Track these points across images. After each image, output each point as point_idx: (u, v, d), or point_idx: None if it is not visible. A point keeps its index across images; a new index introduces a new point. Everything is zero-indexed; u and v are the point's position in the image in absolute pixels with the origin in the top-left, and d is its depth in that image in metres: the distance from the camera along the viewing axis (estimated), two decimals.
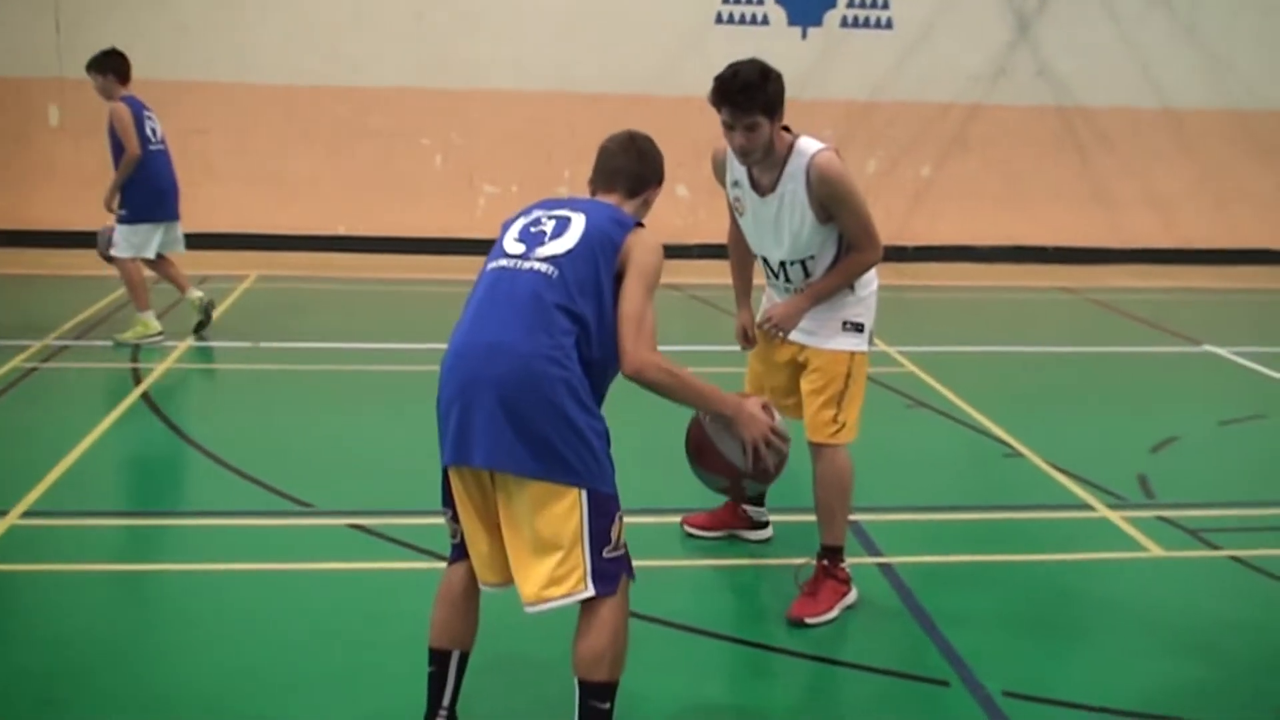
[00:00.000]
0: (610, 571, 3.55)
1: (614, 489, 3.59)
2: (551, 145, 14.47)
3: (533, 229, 3.72)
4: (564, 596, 3.52)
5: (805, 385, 5.03)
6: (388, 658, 4.52)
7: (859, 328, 4.99)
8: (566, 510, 3.48)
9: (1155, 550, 5.76)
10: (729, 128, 4.64)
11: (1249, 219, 15.64)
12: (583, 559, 3.50)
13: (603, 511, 3.53)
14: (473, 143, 14.53)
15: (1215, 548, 5.81)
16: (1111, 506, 6.32)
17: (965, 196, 15.21)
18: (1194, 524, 6.07)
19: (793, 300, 4.97)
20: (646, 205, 4.00)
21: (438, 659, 3.80)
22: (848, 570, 5.09)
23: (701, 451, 4.19)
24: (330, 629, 4.76)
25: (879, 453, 6.87)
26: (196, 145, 14.04)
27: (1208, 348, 10.33)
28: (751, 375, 5.40)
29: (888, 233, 16.58)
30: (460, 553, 3.77)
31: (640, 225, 3.77)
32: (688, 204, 14.29)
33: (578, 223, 3.67)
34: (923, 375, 8.92)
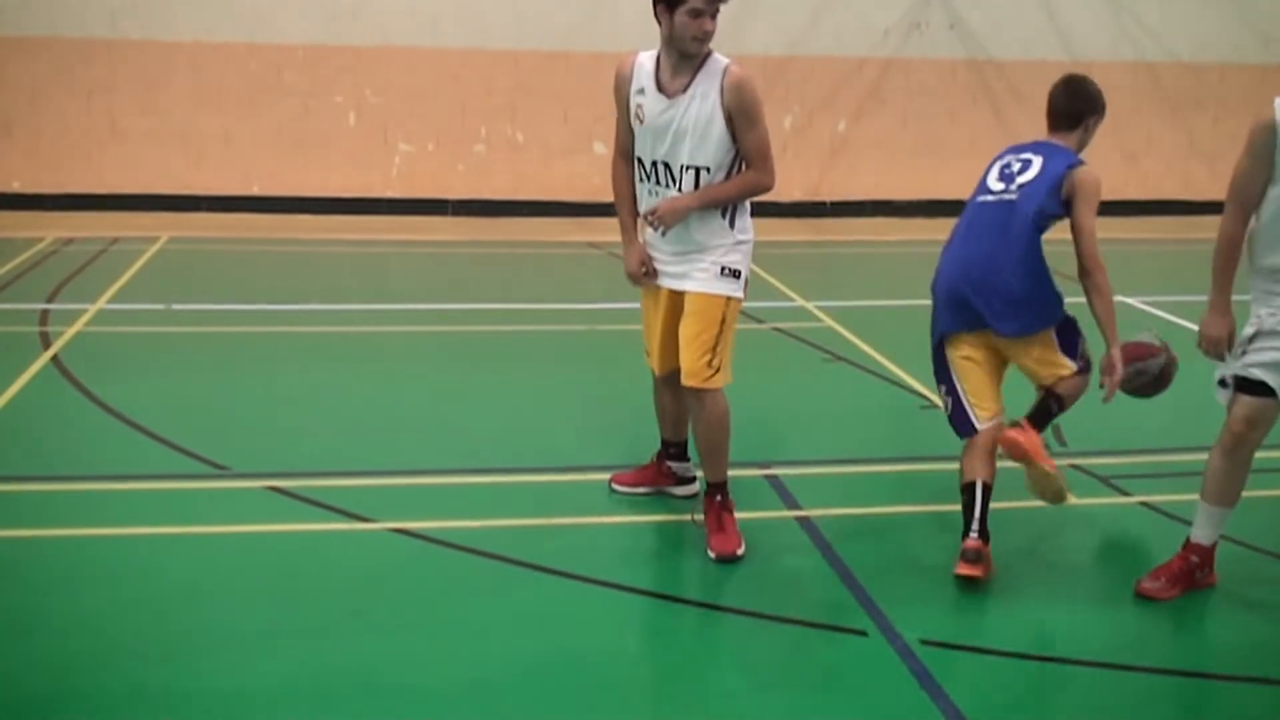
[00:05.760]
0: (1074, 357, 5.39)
1: (1065, 316, 5.34)
2: (467, 102, 14.33)
3: (1006, 170, 5.40)
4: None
5: (683, 330, 5.06)
6: (306, 617, 4.49)
7: (735, 274, 5.06)
8: (1047, 341, 5.28)
9: (1068, 497, 5.85)
10: (698, 14, 4.81)
11: (1158, 170, 15.87)
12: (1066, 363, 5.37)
13: (1067, 331, 5.38)
14: (387, 100, 14.33)
15: (1126, 494, 5.92)
16: None
17: (881, 151, 15.28)
18: (1105, 471, 6.18)
19: (680, 197, 4.97)
20: (1088, 130, 5.37)
21: (968, 490, 5.03)
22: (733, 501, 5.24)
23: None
24: (247, 590, 4.71)
25: (797, 407, 6.92)
26: (102, 105, 13.75)
27: (1118, 297, 10.41)
28: (644, 316, 5.41)
29: (805, 188, 16.28)
30: (970, 426, 5.15)
31: (1079, 164, 5.19)
32: (606, 161, 14.19)
33: (1035, 165, 5.27)
34: (841, 330, 8.98)
